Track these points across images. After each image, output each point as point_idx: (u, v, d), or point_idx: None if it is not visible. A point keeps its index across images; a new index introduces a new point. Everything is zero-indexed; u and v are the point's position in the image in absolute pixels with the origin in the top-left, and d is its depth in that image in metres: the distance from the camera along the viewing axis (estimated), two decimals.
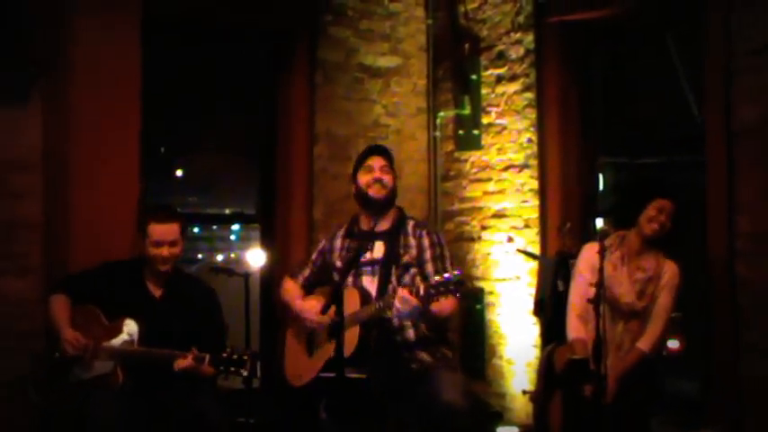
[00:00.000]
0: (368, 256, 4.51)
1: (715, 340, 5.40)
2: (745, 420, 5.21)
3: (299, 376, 4.61)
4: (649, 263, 4.75)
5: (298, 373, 4.62)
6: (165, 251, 4.59)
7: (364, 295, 4.43)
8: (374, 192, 4.53)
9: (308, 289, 4.80)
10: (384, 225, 4.58)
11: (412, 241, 4.53)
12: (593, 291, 4.66)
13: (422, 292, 4.08)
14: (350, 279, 4.51)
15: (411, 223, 4.61)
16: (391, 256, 4.49)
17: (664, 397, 4.79)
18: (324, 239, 4.83)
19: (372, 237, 4.56)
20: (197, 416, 4.46)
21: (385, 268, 4.49)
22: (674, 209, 4.74)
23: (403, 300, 4.12)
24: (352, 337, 4.29)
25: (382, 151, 4.66)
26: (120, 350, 4.47)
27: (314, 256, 4.83)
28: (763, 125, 5.17)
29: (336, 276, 4.55)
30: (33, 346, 4.82)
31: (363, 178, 4.57)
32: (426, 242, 4.52)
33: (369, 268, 4.52)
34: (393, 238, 4.54)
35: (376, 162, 4.58)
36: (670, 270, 4.76)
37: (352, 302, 4.36)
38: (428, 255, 4.51)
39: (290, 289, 4.82)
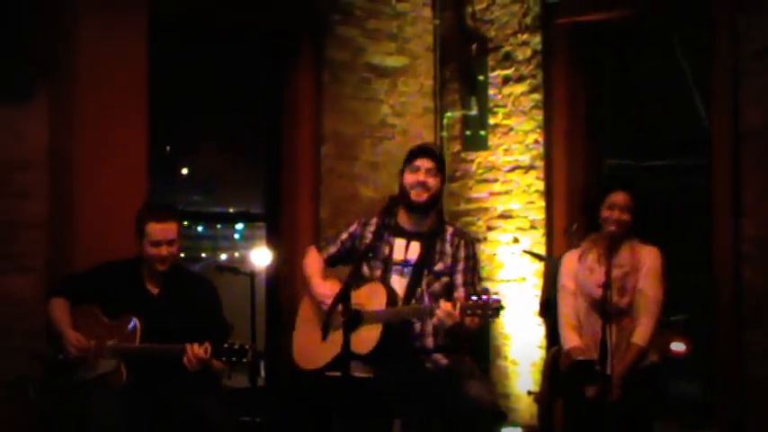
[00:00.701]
0: (401, 255, 4.47)
1: (718, 342, 5.42)
2: (748, 422, 5.22)
3: (308, 359, 4.54)
4: (624, 257, 4.65)
5: (307, 355, 4.54)
6: (163, 251, 4.56)
7: (391, 295, 4.36)
8: (416, 195, 4.42)
9: (332, 265, 4.70)
10: (423, 226, 4.49)
11: (448, 249, 4.45)
12: (582, 296, 4.68)
13: (459, 309, 4.05)
14: (378, 273, 4.46)
15: (450, 230, 4.52)
16: (425, 261, 4.42)
17: (668, 399, 4.75)
18: (356, 222, 4.67)
19: (408, 235, 4.49)
20: (199, 416, 4.43)
21: (416, 272, 4.42)
22: (630, 199, 4.65)
23: (447, 314, 4.08)
24: (373, 335, 4.23)
25: (431, 153, 4.52)
26: (124, 347, 4.47)
27: (344, 236, 4.67)
28: None
29: (366, 270, 4.48)
30: (34, 345, 4.81)
31: (408, 178, 4.45)
32: (462, 253, 4.45)
33: (400, 268, 4.46)
34: (430, 243, 4.45)
35: (424, 163, 4.44)
36: (649, 256, 4.67)
37: (378, 299, 4.30)
38: (461, 266, 4.44)
39: (313, 262, 4.67)
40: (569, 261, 4.82)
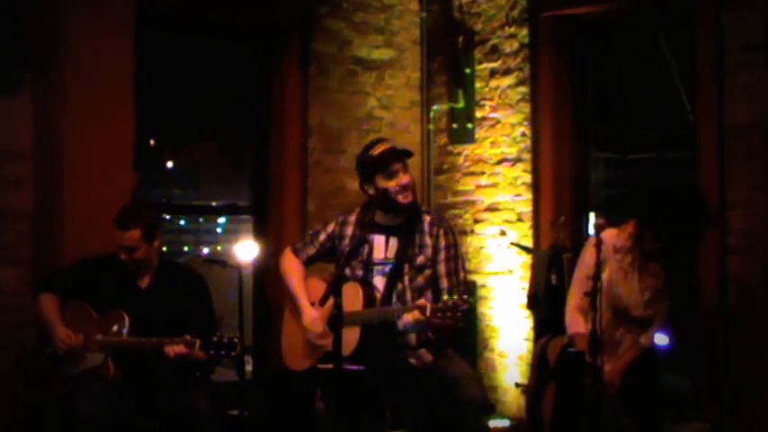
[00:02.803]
0: (381, 253, 4.45)
1: (703, 336, 5.45)
2: (734, 415, 5.26)
3: (295, 361, 4.55)
4: (657, 268, 4.61)
5: (295, 357, 4.56)
6: (123, 256, 4.58)
7: (368, 295, 4.34)
8: (404, 198, 4.38)
9: (309, 265, 4.70)
10: (400, 219, 4.45)
11: (428, 240, 4.42)
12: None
13: (428, 312, 4.04)
14: (359, 273, 4.44)
15: (427, 219, 4.48)
16: (405, 257, 4.40)
17: (665, 393, 4.76)
18: (334, 222, 4.65)
19: (387, 231, 4.46)
20: (187, 410, 4.45)
21: (397, 268, 4.40)
22: None
23: (414, 320, 4.11)
24: (352, 336, 4.22)
25: (400, 152, 4.46)
26: (110, 341, 4.47)
27: (322, 237, 4.65)
28: (755, 122, 5.22)
29: (347, 270, 4.45)
30: (23, 336, 4.83)
31: (388, 183, 4.38)
32: (443, 242, 4.42)
33: (381, 267, 4.44)
34: (408, 237, 4.42)
35: (398, 166, 4.39)
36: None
37: (355, 300, 4.28)
38: (442, 255, 4.41)
39: (292, 269, 4.67)
40: (611, 241, 4.60)
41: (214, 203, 7.28)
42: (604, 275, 4.59)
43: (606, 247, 4.55)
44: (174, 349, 4.36)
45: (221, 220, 10.60)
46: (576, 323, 4.67)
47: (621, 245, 4.66)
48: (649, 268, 4.63)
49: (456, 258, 4.46)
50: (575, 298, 4.72)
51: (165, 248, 9.93)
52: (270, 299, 6.12)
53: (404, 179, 4.39)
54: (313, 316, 4.48)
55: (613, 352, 4.57)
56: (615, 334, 4.58)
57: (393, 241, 4.45)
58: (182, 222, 11.22)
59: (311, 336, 4.47)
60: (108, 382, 4.44)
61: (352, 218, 4.60)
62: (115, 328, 4.49)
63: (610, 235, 4.63)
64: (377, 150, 4.48)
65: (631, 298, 4.60)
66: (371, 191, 4.43)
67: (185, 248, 10.81)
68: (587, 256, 4.69)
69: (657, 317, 4.65)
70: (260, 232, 6.29)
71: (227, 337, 4.35)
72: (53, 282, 4.71)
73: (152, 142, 6.54)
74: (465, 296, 4.08)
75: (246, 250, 5.34)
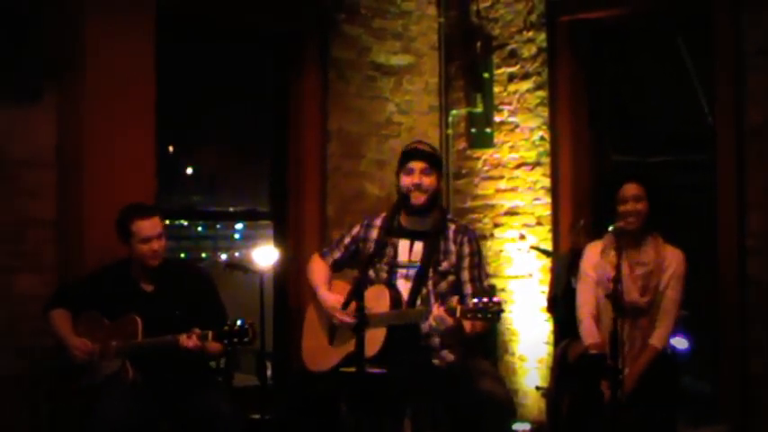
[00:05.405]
0: (406, 256, 4.47)
1: (722, 339, 5.44)
2: (753, 418, 5.25)
3: (317, 362, 4.56)
4: (648, 255, 4.61)
5: (316, 358, 4.57)
6: (155, 245, 4.59)
7: (395, 297, 4.36)
8: (414, 198, 4.41)
9: (337, 269, 4.72)
10: (426, 225, 4.48)
11: (452, 247, 4.45)
12: (601, 289, 4.67)
13: (458, 314, 4.06)
14: (383, 275, 4.46)
15: (452, 227, 4.50)
16: (430, 261, 4.42)
17: (682, 389, 4.72)
18: (359, 225, 4.68)
19: (412, 236, 4.49)
20: (210, 414, 4.45)
21: (422, 273, 4.42)
22: (642, 189, 4.59)
23: (439, 320, 4.11)
24: (378, 337, 4.24)
25: (422, 153, 4.48)
26: (126, 345, 4.49)
27: (347, 240, 4.69)
28: None
29: (372, 272, 4.47)
30: (46, 343, 4.83)
31: (404, 180, 4.45)
32: (466, 250, 4.45)
33: (405, 270, 4.46)
34: (433, 242, 4.44)
35: (416, 165, 4.42)
36: (675, 260, 4.62)
37: (382, 302, 4.31)
38: (466, 263, 4.44)
39: (318, 271, 4.70)
40: (592, 252, 4.76)
41: (231, 209, 7.31)
42: (592, 275, 4.70)
43: (594, 255, 4.72)
44: (186, 342, 4.36)
45: (239, 226, 10.63)
46: (591, 333, 4.66)
47: (605, 245, 4.70)
48: (636, 257, 4.60)
49: (479, 266, 4.50)
50: (584, 305, 4.73)
51: (183, 255, 9.97)
52: (290, 304, 6.15)
53: (416, 179, 4.41)
54: (334, 298, 4.49)
55: (627, 350, 4.49)
56: (622, 334, 4.43)
57: (418, 245, 4.47)
58: (199, 229, 11.25)
59: (336, 318, 4.46)
60: (128, 385, 4.45)
61: (378, 221, 4.62)
62: (129, 331, 4.51)
63: (594, 245, 4.78)
64: (406, 147, 4.59)
65: (623, 285, 4.43)
66: (397, 184, 4.51)
67: (203, 255, 10.85)
68: (586, 263, 4.76)
69: (665, 315, 4.59)
70: (279, 238, 6.31)
71: (238, 325, 4.33)
72: (60, 297, 4.73)
73: (171, 148, 6.58)
74: (495, 298, 4.08)
75: (266, 256, 5.37)
